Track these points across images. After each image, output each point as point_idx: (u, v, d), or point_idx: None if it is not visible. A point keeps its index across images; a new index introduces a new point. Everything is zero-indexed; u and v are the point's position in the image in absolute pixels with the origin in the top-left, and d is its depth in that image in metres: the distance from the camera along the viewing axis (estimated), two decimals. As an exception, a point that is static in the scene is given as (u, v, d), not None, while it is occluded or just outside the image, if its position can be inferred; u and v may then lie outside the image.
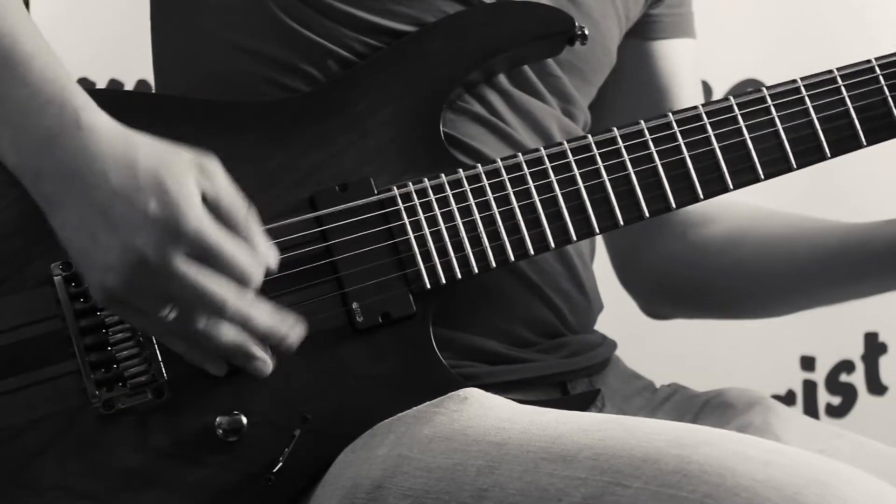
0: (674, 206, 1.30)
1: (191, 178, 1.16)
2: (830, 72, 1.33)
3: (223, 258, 1.16)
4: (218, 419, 1.23)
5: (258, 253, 1.18)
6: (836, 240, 1.46)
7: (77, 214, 1.16)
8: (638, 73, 1.53)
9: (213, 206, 1.16)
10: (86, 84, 2.02)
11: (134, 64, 2.01)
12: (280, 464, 1.23)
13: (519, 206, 1.29)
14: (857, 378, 2.26)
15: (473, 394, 1.23)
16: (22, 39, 1.21)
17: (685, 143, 1.31)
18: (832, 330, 2.21)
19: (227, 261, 1.16)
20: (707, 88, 2.22)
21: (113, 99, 1.22)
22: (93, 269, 1.16)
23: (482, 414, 1.20)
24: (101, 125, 1.18)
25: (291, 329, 1.21)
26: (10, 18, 1.22)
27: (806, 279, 1.49)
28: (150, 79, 1.48)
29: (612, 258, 1.61)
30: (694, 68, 1.60)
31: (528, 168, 1.29)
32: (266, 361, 1.21)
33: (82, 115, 1.18)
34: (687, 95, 1.55)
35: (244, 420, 1.23)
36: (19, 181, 1.22)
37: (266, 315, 1.19)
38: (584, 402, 1.32)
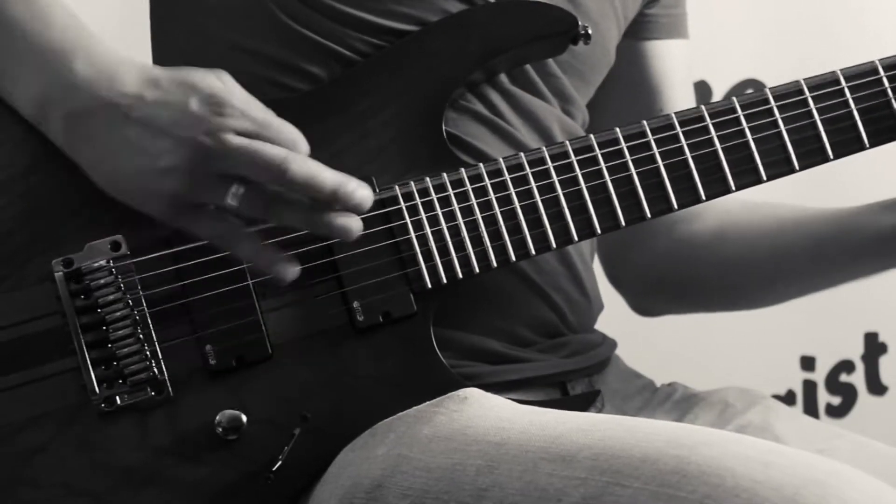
0: (676, 206, 1.30)
1: (214, 77, 1.20)
2: (834, 73, 1.33)
3: (272, 128, 1.18)
4: (218, 417, 1.23)
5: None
6: (825, 227, 1.47)
7: (120, 138, 1.19)
8: (630, 72, 1.53)
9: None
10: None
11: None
12: (279, 462, 1.23)
13: (520, 206, 1.29)
14: (857, 378, 2.27)
15: (473, 394, 1.23)
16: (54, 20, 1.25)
17: (687, 144, 1.31)
18: (832, 330, 2.21)
19: (277, 129, 1.19)
20: (707, 88, 2.22)
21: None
22: (149, 181, 1.19)
23: (482, 414, 1.20)
24: (127, 64, 1.22)
25: (358, 184, 1.21)
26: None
27: (793, 268, 1.49)
28: (151, 78, 1.48)
29: (599, 256, 1.60)
30: (686, 70, 1.60)
31: (530, 168, 1.29)
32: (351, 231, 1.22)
33: (110, 58, 1.22)
34: (678, 97, 1.55)
35: (244, 418, 1.23)
36: (20, 179, 1.23)
37: (330, 171, 1.20)
38: (585, 402, 1.32)
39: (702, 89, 2.23)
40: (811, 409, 2.25)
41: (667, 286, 1.54)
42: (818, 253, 1.47)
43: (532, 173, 1.29)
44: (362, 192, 1.21)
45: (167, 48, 1.42)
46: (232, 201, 1.19)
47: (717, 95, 2.22)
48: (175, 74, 1.21)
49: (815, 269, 1.49)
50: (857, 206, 1.46)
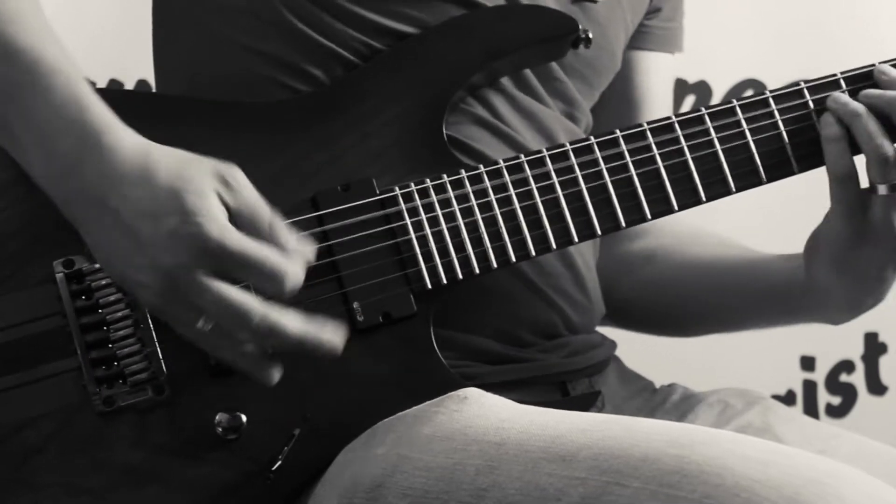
0: (676, 208, 1.30)
1: (210, 189, 1.16)
2: (834, 75, 1.33)
3: (250, 264, 1.16)
4: (218, 417, 1.23)
5: (290, 251, 1.17)
6: (735, 270, 1.48)
7: (106, 237, 1.17)
8: (616, 80, 1.52)
9: (235, 216, 1.17)
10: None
11: (134, 64, 2.01)
12: (279, 462, 1.23)
13: (521, 207, 1.29)
14: (857, 378, 2.26)
15: (473, 393, 1.23)
16: (46, 54, 1.21)
17: (688, 146, 1.31)
18: (832, 330, 2.21)
19: (255, 265, 1.16)
20: (707, 88, 2.22)
21: (113, 99, 1.22)
22: (131, 284, 1.18)
23: (482, 414, 1.20)
24: (123, 145, 1.18)
25: (329, 334, 1.20)
26: (32, 32, 1.22)
27: (715, 305, 1.51)
28: (151, 79, 1.48)
29: None
30: (670, 84, 1.60)
31: (530, 169, 1.29)
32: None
33: (103, 139, 1.18)
34: (656, 113, 1.54)
35: (244, 418, 1.24)
36: (20, 181, 1.23)
37: (296, 323, 1.18)
38: (586, 403, 1.32)
39: (702, 89, 2.22)
40: (811, 409, 2.25)
41: (606, 302, 1.53)
42: (733, 294, 1.48)
43: (532, 174, 1.29)
44: (330, 346, 1.19)
45: (169, 48, 1.42)
46: (202, 328, 1.17)
47: (717, 95, 2.22)
48: (174, 177, 1.16)
49: (731, 310, 1.50)
50: (767, 255, 1.47)
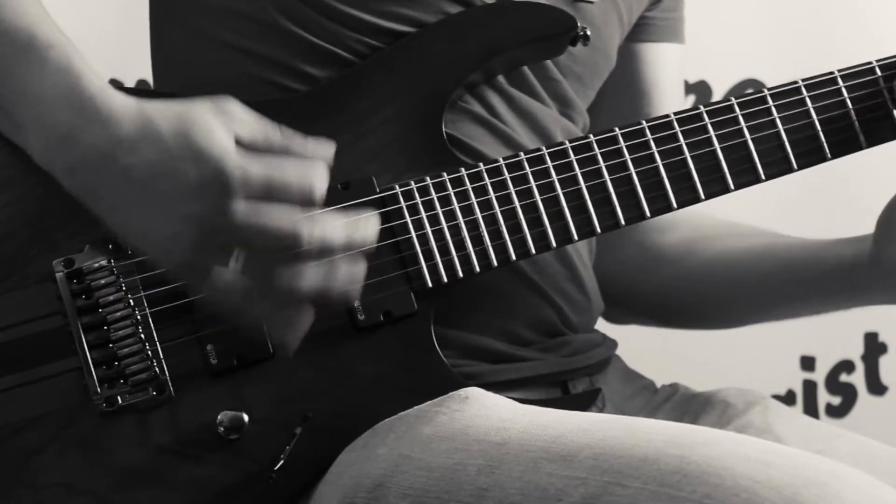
0: (675, 206, 1.30)
1: (216, 127, 1.14)
2: (831, 73, 1.33)
3: (276, 185, 1.13)
4: (219, 417, 1.23)
5: (307, 158, 1.15)
6: (787, 256, 1.47)
7: (122, 196, 1.15)
8: (622, 74, 1.52)
9: (248, 145, 1.14)
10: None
11: (134, 64, 2.00)
12: (281, 462, 1.23)
13: (521, 205, 1.29)
14: (857, 378, 2.27)
15: (474, 393, 1.23)
16: (40, 31, 1.21)
17: (686, 144, 1.31)
18: (832, 330, 2.21)
19: (282, 185, 1.13)
20: (707, 88, 2.22)
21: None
22: (157, 242, 1.15)
23: (483, 413, 1.20)
24: (116, 107, 1.17)
25: (365, 223, 1.17)
26: (27, 14, 1.22)
27: (754, 294, 1.50)
28: (150, 79, 1.48)
29: None
30: (679, 75, 1.60)
31: (530, 167, 1.30)
32: (356, 282, 1.17)
33: (97, 102, 1.17)
34: (668, 102, 1.54)
35: (245, 418, 1.24)
36: (20, 179, 1.23)
37: (340, 223, 1.16)
38: (586, 401, 1.32)
39: (702, 89, 2.23)
40: (811, 409, 2.25)
41: (632, 296, 1.53)
42: (774, 282, 1.48)
43: (532, 172, 1.29)
44: (369, 232, 1.17)
45: (165, 48, 1.42)
46: (236, 264, 1.14)
47: (717, 95, 2.23)
48: (177, 126, 1.14)
49: (772, 298, 1.49)
50: (823, 240, 1.46)
